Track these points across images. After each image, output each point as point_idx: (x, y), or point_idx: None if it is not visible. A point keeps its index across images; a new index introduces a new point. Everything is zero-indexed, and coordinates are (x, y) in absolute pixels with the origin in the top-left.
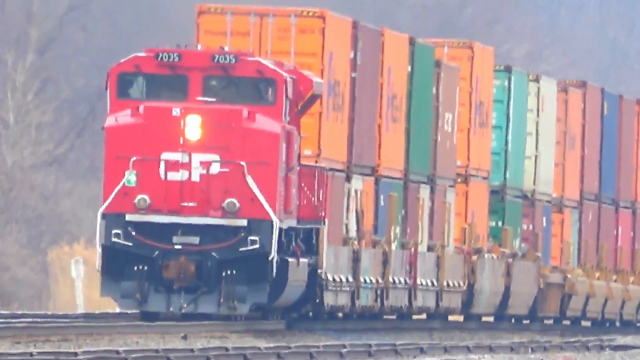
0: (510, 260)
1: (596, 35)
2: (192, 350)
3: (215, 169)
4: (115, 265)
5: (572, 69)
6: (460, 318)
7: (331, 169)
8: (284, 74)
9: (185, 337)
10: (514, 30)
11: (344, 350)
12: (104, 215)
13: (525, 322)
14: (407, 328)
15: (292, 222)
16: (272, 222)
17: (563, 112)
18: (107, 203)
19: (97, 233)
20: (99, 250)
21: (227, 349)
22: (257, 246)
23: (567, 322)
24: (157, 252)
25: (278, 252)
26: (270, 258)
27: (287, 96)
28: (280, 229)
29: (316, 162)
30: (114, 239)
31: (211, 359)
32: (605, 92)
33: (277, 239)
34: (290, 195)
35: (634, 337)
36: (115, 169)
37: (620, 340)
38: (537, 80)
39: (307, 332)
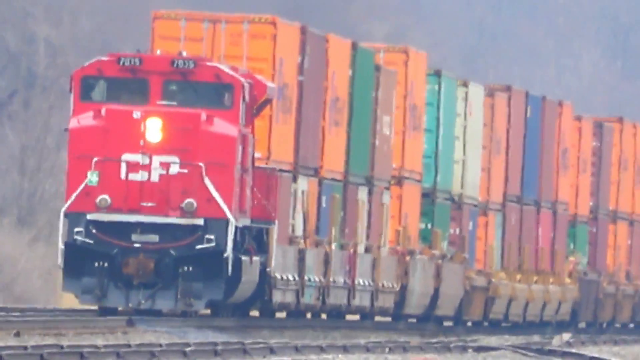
0: (439, 262)
1: (462, 15)
2: (25, 348)
3: (174, 170)
4: (77, 262)
5: (436, 50)
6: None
7: (280, 170)
8: (241, 79)
9: (17, 334)
10: (374, 9)
11: (187, 349)
12: (66, 214)
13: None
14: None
15: (246, 222)
16: (228, 221)
17: (489, 117)
18: (69, 202)
19: (59, 231)
20: (61, 247)
21: (62, 347)
22: (213, 244)
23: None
24: (116, 250)
25: (232, 250)
26: (225, 256)
27: (243, 100)
28: (236, 228)
29: (266, 164)
30: (76, 237)
31: (45, 357)
32: (529, 95)
33: (232, 238)
34: (245, 196)
35: (498, 338)
36: (77, 169)
37: (484, 340)
38: (465, 85)
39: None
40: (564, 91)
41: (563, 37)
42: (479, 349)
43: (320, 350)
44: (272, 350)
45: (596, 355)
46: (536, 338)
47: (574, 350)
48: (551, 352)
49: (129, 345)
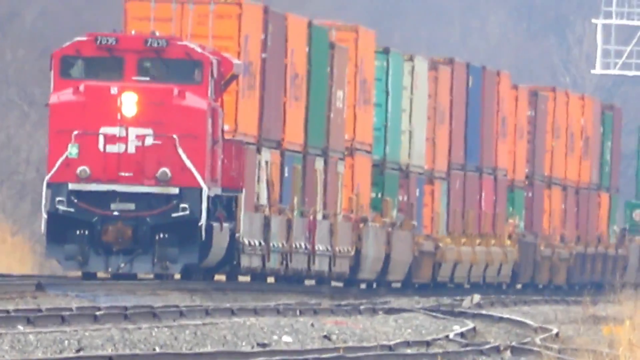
0: (390, 229)
1: None
2: None
3: (149, 141)
4: (59, 230)
5: (343, 12)
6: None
7: (246, 143)
8: (210, 56)
9: None
10: None
11: (98, 313)
12: (48, 185)
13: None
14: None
15: (217, 190)
16: (201, 189)
17: (434, 89)
18: (51, 173)
19: (42, 200)
20: (44, 216)
21: None
22: (187, 212)
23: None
24: (96, 218)
25: (205, 218)
26: (200, 224)
27: (212, 76)
28: (208, 196)
29: (233, 136)
30: (58, 206)
31: None
32: (470, 66)
33: (206, 206)
34: (217, 166)
35: (409, 300)
36: (58, 142)
37: (394, 303)
38: (411, 59)
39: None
40: (470, 53)
41: None
42: (390, 311)
43: (231, 314)
44: (182, 314)
45: (505, 315)
46: (447, 300)
47: (484, 312)
48: (462, 314)
49: (39, 310)
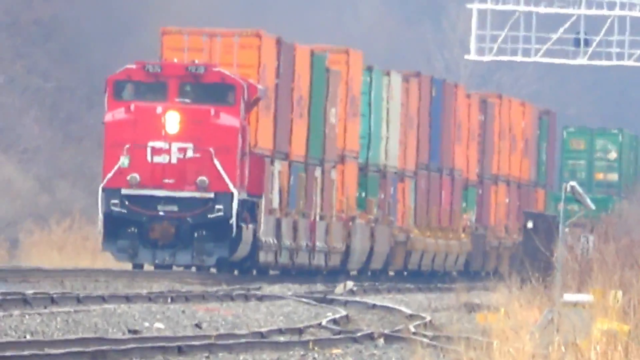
0: (373, 225)
1: None
2: None
3: (189, 154)
4: (113, 228)
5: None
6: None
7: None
8: (241, 81)
9: None
10: None
11: None
12: (104, 190)
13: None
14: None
15: (244, 195)
16: (232, 194)
17: (405, 99)
18: (106, 180)
19: (99, 203)
20: (100, 216)
21: None
22: (221, 213)
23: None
24: (145, 218)
25: (235, 218)
26: (231, 222)
27: (243, 99)
28: (238, 200)
29: (254, 150)
30: (112, 208)
31: None
32: (433, 79)
33: (236, 208)
34: (244, 175)
35: (281, 287)
36: (112, 154)
37: (267, 289)
38: (388, 74)
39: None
40: (344, 38)
41: None
42: (262, 298)
43: (102, 301)
44: (53, 300)
45: (378, 303)
46: (320, 287)
47: (357, 299)
48: (334, 301)
49: None
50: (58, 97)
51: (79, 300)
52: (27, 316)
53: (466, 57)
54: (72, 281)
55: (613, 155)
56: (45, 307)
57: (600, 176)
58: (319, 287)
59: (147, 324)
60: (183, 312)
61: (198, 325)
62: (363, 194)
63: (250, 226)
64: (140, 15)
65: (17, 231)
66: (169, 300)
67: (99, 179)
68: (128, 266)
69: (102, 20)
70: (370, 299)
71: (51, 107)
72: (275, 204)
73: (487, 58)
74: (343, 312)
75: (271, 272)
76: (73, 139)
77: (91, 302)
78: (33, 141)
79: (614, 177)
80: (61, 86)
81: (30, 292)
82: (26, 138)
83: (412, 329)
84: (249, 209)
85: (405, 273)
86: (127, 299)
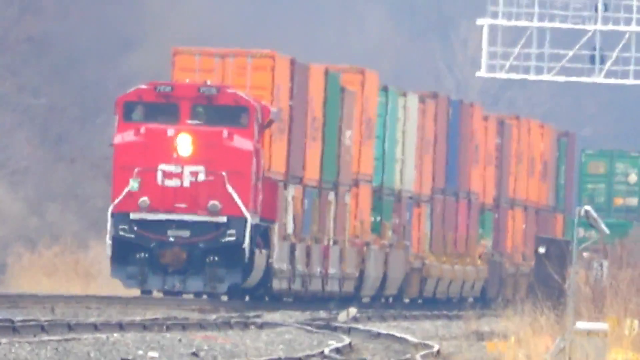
0: (387, 250)
1: None
2: None
3: (201, 177)
4: (122, 254)
5: (216, 19)
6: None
7: (277, 180)
8: (255, 103)
9: None
10: None
11: None
12: (112, 214)
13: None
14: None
15: (257, 220)
16: (246, 219)
17: (422, 120)
18: (114, 204)
19: (107, 228)
20: (108, 241)
21: None
22: (234, 238)
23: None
24: (154, 243)
25: (248, 243)
26: (243, 247)
27: (257, 121)
28: (251, 225)
29: (266, 174)
30: (121, 233)
31: None
32: (450, 100)
33: (249, 233)
34: (258, 199)
35: (282, 314)
36: (121, 177)
37: (267, 317)
38: (404, 95)
39: None
40: (350, 55)
41: None
42: (263, 325)
43: (95, 329)
44: (43, 329)
45: (384, 331)
46: (322, 314)
47: (360, 326)
48: (337, 328)
49: None
50: (49, 116)
51: (70, 328)
52: (15, 344)
53: (477, 74)
54: (63, 308)
55: (633, 178)
56: (35, 336)
57: (619, 201)
58: (322, 314)
59: (140, 352)
60: (179, 340)
61: (195, 354)
62: (377, 219)
63: (264, 252)
64: (135, 33)
65: (5, 255)
66: (165, 328)
67: (91, 202)
68: (122, 292)
69: (94, 37)
70: (376, 327)
71: (42, 126)
72: (290, 229)
73: (499, 75)
74: (347, 340)
75: (284, 299)
76: (64, 159)
77: (83, 330)
78: (23, 161)
79: (633, 201)
80: (52, 105)
81: (19, 319)
82: (16, 158)
83: (419, 359)
84: (262, 234)
85: (420, 301)
86: (120, 326)
